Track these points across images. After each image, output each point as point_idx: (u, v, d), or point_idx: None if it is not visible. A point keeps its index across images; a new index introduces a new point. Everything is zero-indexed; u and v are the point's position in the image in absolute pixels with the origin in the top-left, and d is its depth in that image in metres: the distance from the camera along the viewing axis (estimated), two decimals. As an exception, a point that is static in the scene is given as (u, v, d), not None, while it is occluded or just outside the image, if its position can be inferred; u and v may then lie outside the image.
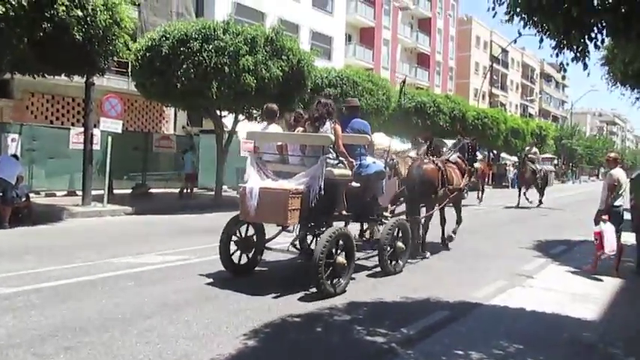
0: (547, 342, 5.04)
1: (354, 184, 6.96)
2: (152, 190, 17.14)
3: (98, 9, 10.47)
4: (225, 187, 17.85)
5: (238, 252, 7.00)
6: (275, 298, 6.00)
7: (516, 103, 68.90)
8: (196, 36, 14.16)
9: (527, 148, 24.79)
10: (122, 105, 14.40)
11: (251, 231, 7.13)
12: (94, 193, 13.67)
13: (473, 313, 5.87)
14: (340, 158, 6.69)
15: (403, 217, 8.48)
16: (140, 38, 15.42)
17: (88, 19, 10.31)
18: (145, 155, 18.51)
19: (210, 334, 4.76)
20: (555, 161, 53.75)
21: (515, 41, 32.73)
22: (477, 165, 16.65)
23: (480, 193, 21.59)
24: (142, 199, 15.56)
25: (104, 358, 4.17)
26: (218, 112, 16.58)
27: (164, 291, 6.14)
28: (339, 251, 6.20)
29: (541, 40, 5.71)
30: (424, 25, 47.33)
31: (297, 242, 7.14)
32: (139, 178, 17.99)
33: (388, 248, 7.30)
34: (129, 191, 16.63)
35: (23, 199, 11.47)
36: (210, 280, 6.76)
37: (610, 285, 7.55)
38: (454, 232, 9.96)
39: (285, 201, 6.14)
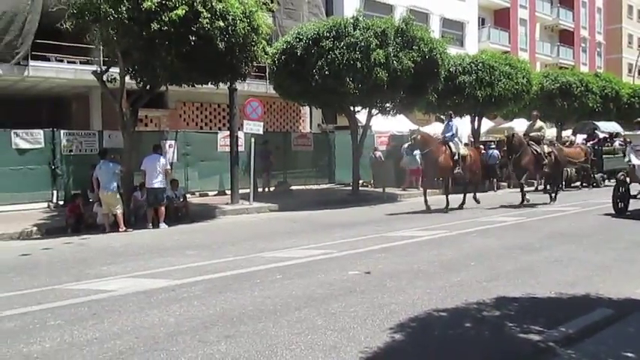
0: None
1: None
2: (293, 187, 17.85)
3: (238, 18, 11.11)
4: (361, 181, 18.03)
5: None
6: (419, 292, 5.94)
7: (682, 75, 60.91)
8: (328, 34, 14.49)
9: (530, 122, 16.61)
10: (262, 107, 15.18)
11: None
12: (240, 191, 14.61)
13: (642, 312, 5.30)
14: None
15: None
16: (276, 42, 16.10)
17: (229, 28, 10.98)
18: (285, 154, 19.31)
19: (356, 327, 4.83)
20: None
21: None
22: (462, 151, 14.10)
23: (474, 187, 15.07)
24: (285, 196, 16.28)
25: (260, 347, 4.42)
26: (352, 108, 16.80)
27: (310, 284, 6.36)
28: None
29: None
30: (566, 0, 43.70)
31: None
32: (281, 176, 18.83)
33: None
34: (272, 189, 17.48)
35: (181, 200, 12.64)
36: (353, 273, 6.88)
37: None
38: None
39: None
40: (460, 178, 14.31)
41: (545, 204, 14.58)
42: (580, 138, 23.27)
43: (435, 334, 4.72)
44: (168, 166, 11.82)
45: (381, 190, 17.29)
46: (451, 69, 18.24)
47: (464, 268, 7.11)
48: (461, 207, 13.95)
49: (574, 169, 20.85)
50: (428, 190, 14.15)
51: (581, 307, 5.39)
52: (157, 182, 11.63)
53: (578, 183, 21.44)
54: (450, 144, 13.93)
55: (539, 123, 15.74)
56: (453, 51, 19.45)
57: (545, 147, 15.26)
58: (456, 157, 13.75)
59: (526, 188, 15.13)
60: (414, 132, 13.74)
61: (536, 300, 5.67)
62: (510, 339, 4.56)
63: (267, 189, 17.63)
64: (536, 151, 14.58)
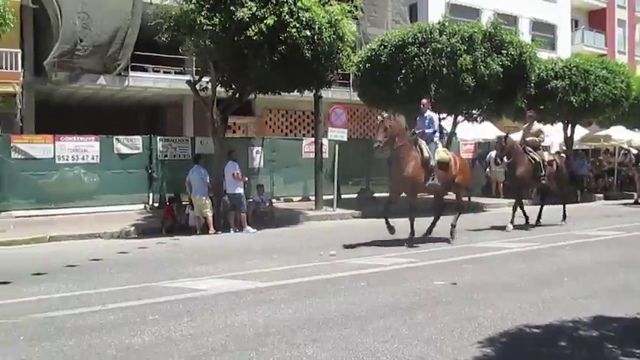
0: None
1: None
2: (376, 195, 17.79)
3: (323, 27, 11.30)
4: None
5: None
6: (509, 306, 5.74)
7: None
8: (413, 41, 14.39)
9: (524, 125, 13.67)
10: (346, 114, 15.31)
11: None
12: (324, 198, 14.78)
13: None
14: None
15: None
16: (360, 50, 16.19)
17: (315, 37, 11.20)
18: (369, 161, 19.26)
19: (443, 339, 4.74)
20: None
21: None
22: (441, 156, 10.18)
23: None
24: (367, 203, 16.27)
25: (345, 352, 4.45)
26: (437, 115, 16.52)
27: (395, 292, 6.32)
28: None
29: None
30: (672, -3, 40.62)
31: None
32: (363, 183, 18.82)
33: None
34: (354, 196, 17.53)
35: (267, 205, 13.02)
36: (439, 283, 6.76)
37: None
38: None
39: None
40: (435, 191, 10.61)
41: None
42: (687, 147, 21.50)
43: (528, 350, 4.55)
44: (237, 171, 11.97)
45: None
46: (542, 74, 17.49)
47: (557, 284, 6.79)
48: (429, 232, 10.68)
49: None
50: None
51: (692, 330, 5.00)
52: (234, 188, 11.94)
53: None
54: (422, 145, 9.99)
55: (536, 126, 13.05)
56: (544, 55, 18.69)
57: (546, 154, 12.81)
58: (431, 162, 9.90)
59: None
60: (384, 118, 10.04)
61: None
62: (610, 360, 4.31)
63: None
64: (533, 159, 12.14)
